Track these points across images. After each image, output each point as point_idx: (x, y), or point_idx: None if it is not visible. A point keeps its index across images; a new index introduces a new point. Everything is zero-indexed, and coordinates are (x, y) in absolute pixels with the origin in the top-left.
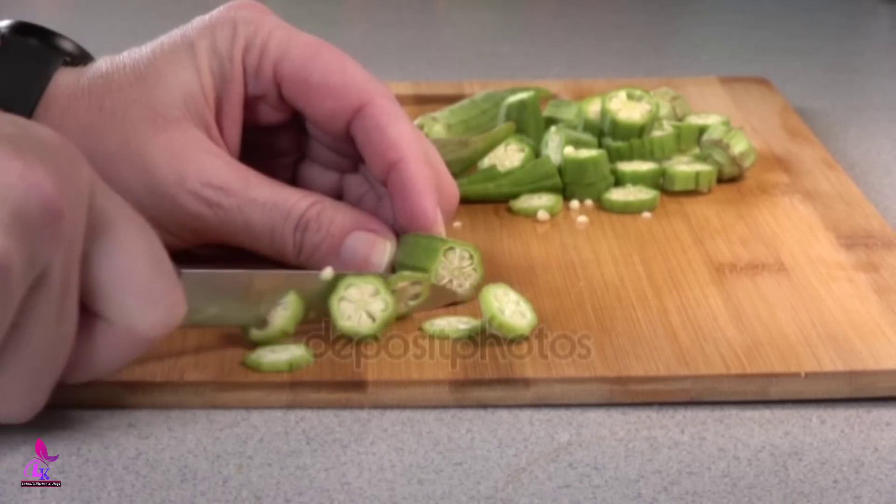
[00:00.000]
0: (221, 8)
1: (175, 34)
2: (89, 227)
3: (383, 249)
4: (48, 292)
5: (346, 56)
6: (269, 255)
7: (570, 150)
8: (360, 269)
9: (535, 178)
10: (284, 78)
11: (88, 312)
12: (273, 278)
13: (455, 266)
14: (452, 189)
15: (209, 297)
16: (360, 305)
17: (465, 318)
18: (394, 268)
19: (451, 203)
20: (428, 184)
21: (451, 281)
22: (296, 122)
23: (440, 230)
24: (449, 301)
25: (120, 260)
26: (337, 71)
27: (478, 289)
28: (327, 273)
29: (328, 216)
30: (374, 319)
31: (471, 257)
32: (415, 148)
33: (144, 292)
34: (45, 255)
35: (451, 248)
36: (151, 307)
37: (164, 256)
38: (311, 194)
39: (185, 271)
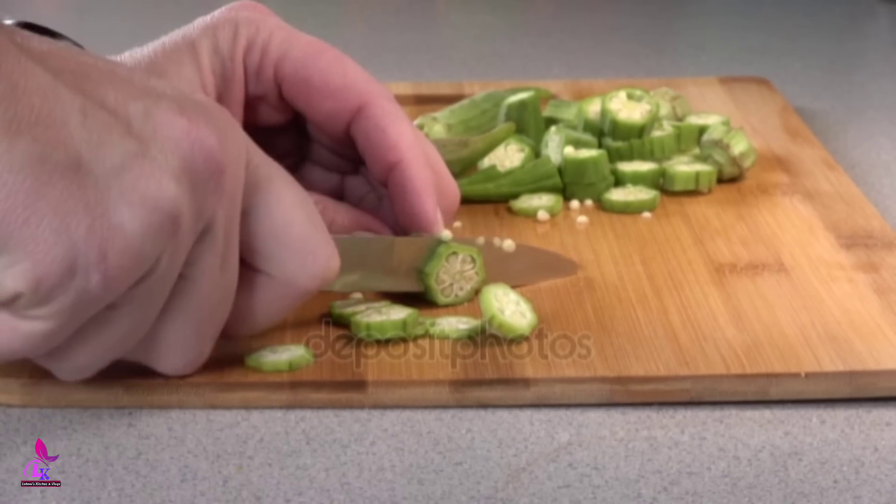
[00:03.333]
0: (223, 8)
1: (177, 34)
2: (248, 185)
3: None
4: (212, 244)
5: (346, 57)
6: None
7: (570, 150)
8: None
9: (535, 178)
10: (285, 78)
11: (249, 268)
12: (412, 244)
13: (457, 269)
14: (453, 189)
15: (354, 264)
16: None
17: (465, 318)
18: None
19: (452, 203)
20: (428, 185)
21: (451, 285)
22: (296, 124)
23: (440, 230)
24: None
25: (278, 215)
26: (337, 72)
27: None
28: (446, 234)
29: (329, 216)
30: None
31: (473, 261)
32: (415, 149)
33: (302, 246)
34: (210, 207)
35: (453, 253)
36: (310, 260)
37: (317, 214)
38: (312, 194)
39: (335, 236)
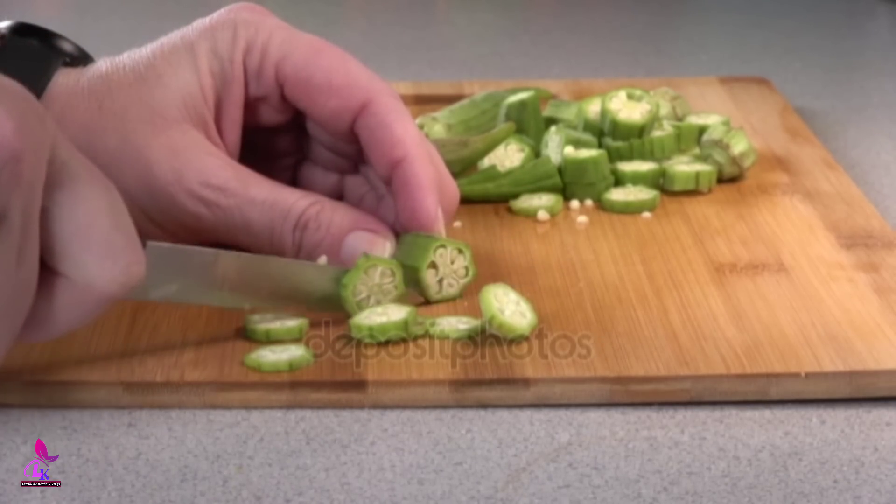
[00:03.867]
0: (221, 10)
1: (175, 36)
2: (50, 180)
3: (382, 249)
4: (7, 236)
5: (348, 55)
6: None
7: (570, 150)
8: None
9: (535, 178)
10: (287, 78)
11: (48, 270)
12: (238, 259)
13: (446, 264)
14: (453, 189)
15: (173, 273)
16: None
17: (465, 318)
18: None
19: (452, 203)
20: (431, 182)
21: (441, 280)
22: (296, 124)
23: (440, 229)
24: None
25: (80, 215)
26: (340, 70)
27: (470, 287)
28: (322, 260)
29: (327, 216)
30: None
31: (462, 255)
32: (419, 146)
33: (103, 248)
34: (3, 197)
35: (441, 246)
36: (110, 263)
37: (125, 216)
38: (310, 194)
39: (151, 243)
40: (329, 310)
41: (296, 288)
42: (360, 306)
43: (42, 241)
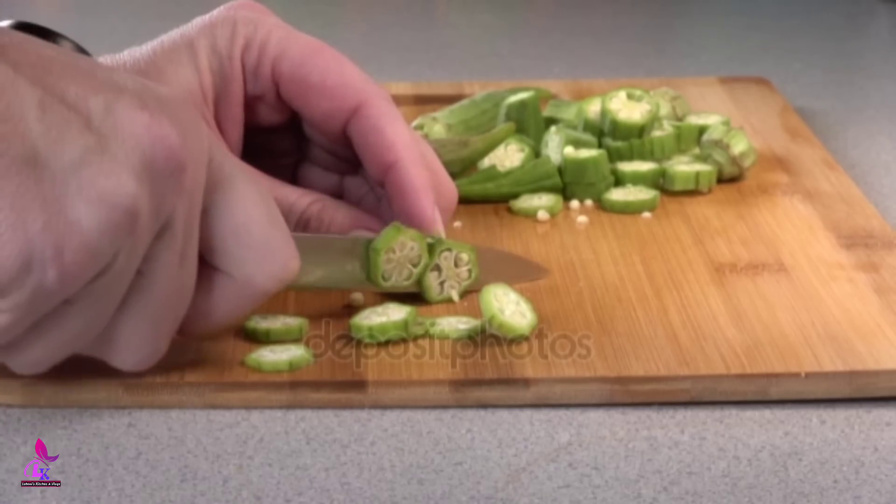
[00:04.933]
0: (221, 8)
1: (175, 34)
2: (209, 183)
3: None
4: (171, 241)
5: (343, 57)
6: None
7: (570, 150)
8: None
9: (535, 178)
10: (283, 76)
11: (208, 267)
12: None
13: (450, 266)
14: (451, 189)
15: (317, 260)
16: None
17: (465, 318)
18: None
19: (450, 203)
20: (425, 184)
21: (443, 282)
22: (295, 124)
23: (439, 230)
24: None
25: (238, 214)
26: (335, 71)
27: (473, 289)
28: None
29: (328, 214)
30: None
31: (466, 257)
32: (411, 149)
33: (262, 246)
34: (170, 205)
35: (447, 250)
36: (268, 260)
37: (278, 214)
38: (311, 192)
39: (296, 235)
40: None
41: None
42: (385, 278)
43: (202, 240)
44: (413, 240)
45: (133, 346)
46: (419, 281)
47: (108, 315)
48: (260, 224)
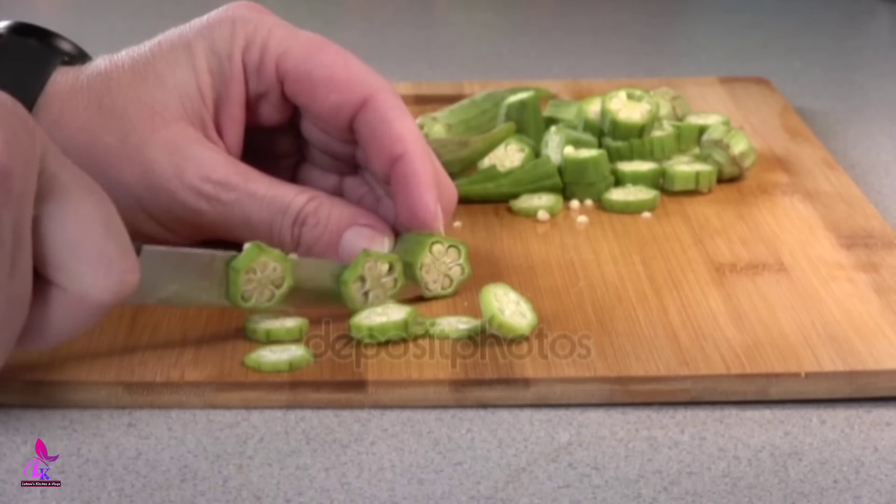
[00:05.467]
0: (219, 8)
1: (173, 35)
2: (41, 192)
3: (381, 244)
4: None
5: (348, 52)
6: None
7: (570, 150)
8: None
9: (535, 178)
10: (288, 73)
11: (42, 280)
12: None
13: (441, 261)
14: (451, 189)
15: (171, 275)
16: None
17: (465, 318)
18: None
19: (450, 202)
20: (431, 178)
21: (434, 280)
22: (294, 125)
23: (440, 225)
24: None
25: (71, 225)
26: (341, 65)
27: (470, 287)
28: (293, 257)
29: (326, 211)
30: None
31: (458, 252)
32: (419, 142)
33: (96, 258)
34: None
35: (436, 242)
36: (103, 273)
37: (118, 225)
38: (309, 190)
39: (147, 247)
40: (328, 304)
41: (296, 285)
42: (360, 302)
43: (35, 252)
44: (276, 260)
45: None
46: (412, 277)
47: None
48: (94, 236)
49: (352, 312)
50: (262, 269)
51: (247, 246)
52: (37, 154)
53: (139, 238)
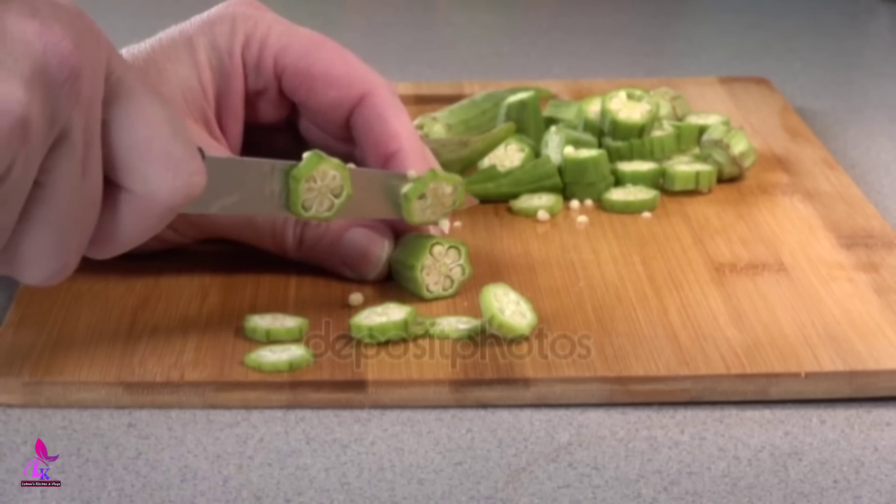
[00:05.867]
0: (219, 5)
1: (174, 31)
2: (108, 95)
3: (381, 244)
4: (70, 150)
5: (346, 49)
6: (269, 250)
7: (570, 150)
8: (358, 263)
9: (535, 178)
10: (286, 69)
11: (112, 184)
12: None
13: (442, 262)
14: None
15: (232, 183)
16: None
17: (465, 318)
18: (390, 266)
19: None
20: None
21: (435, 281)
22: (292, 123)
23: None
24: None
25: (139, 128)
26: (339, 61)
27: (470, 287)
28: (412, 174)
29: None
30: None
31: (458, 253)
32: (414, 140)
33: (164, 160)
34: (65, 113)
35: (437, 244)
36: (171, 174)
37: (183, 128)
38: None
39: (209, 155)
40: (382, 216)
41: (353, 195)
42: (418, 216)
43: (104, 155)
44: (335, 169)
45: (40, 261)
46: (412, 279)
47: (8, 228)
48: (162, 138)
49: (408, 223)
50: (321, 178)
51: (306, 154)
52: (103, 58)
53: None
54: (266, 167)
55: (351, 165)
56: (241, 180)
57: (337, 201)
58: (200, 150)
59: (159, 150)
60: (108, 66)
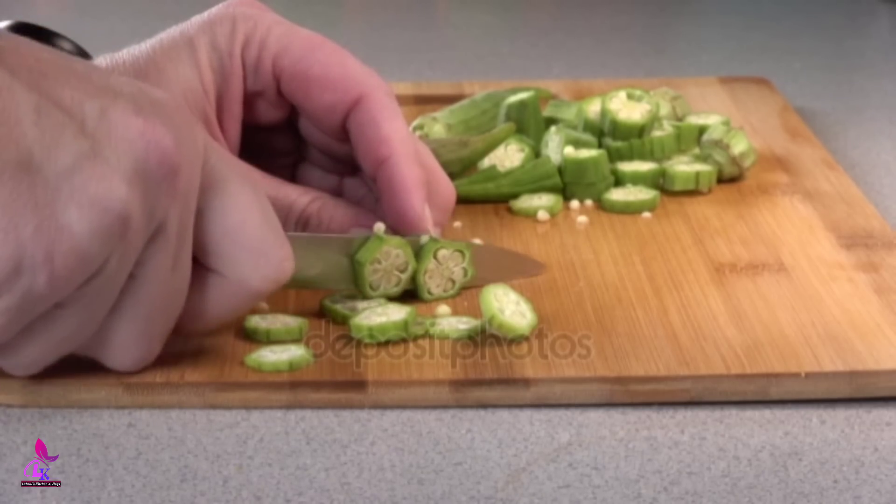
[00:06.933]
0: (220, 5)
1: (174, 31)
2: (204, 185)
3: None
4: (164, 245)
5: (345, 51)
6: None
7: (570, 150)
8: None
9: (535, 178)
10: (284, 71)
11: (202, 267)
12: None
13: (445, 265)
14: (448, 189)
15: (313, 259)
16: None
17: (465, 318)
18: None
19: (448, 203)
20: (416, 181)
21: (437, 284)
22: (292, 123)
23: (429, 227)
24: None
25: (233, 216)
26: (337, 64)
27: (472, 286)
28: (424, 238)
29: (328, 212)
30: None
31: (462, 256)
32: (406, 146)
33: (256, 247)
34: (163, 208)
35: (441, 248)
36: (263, 261)
37: (272, 214)
38: (311, 190)
39: (290, 234)
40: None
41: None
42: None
43: (196, 241)
44: (397, 247)
45: (127, 348)
46: (414, 281)
47: (99, 318)
48: (254, 225)
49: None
50: (385, 259)
51: (369, 237)
52: (201, 150)
53: None
54: (343, 242)
55: (427, 232)
56: (321, 256)
57: (403, 276)
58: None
59: (251, 237)
60: (205, 157)
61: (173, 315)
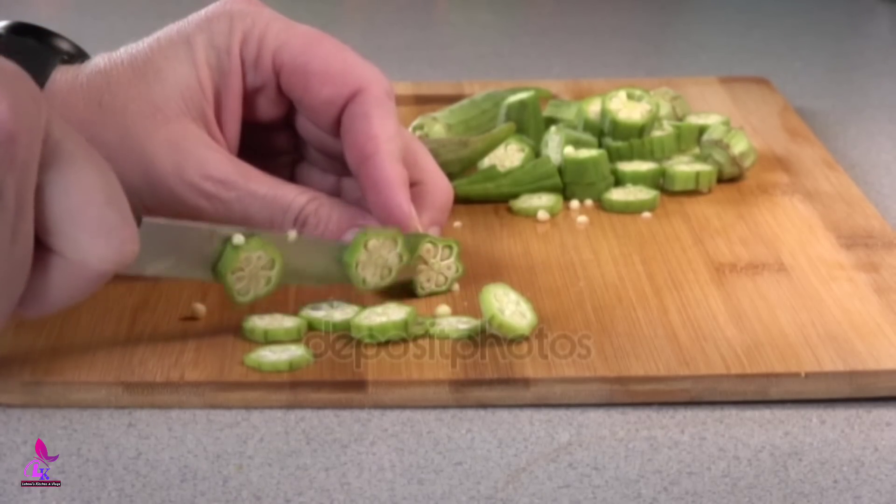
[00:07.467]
0: (217, 3)
1: (171, 30)
2: (44, 159)
3: None
4: (2, 214)
5: (345, 46)
6: None
7: (570, 150)
8: None
9: (535, 178)
10: (284, 66)
11: (43, 247)
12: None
13: (434, 260)
14: (445, 188)
15: (169, 248)
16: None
17: (465, 318)
18: None
19: (445, 202)
20: (398, 179)
21: (428, 279)
22: (291, 123)
23: (416, 225)
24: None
25: (73, 193)
26: (337, 58)
27: (470, 287)
28: (292, 235)
29: (326, 211)
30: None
31: (450, 251)
32: (391, 144)
33: (96, 226)
34: None
35: (430, 243)
36: (103, 241)
37: (119, 195)
38: (309, 190)
39: (146, 219)
40: (331, 282)
41: (296, 265)
42: (366, 282)
43: (36, 218)
44: (257, 250)
45: None
46: (396, 273)
47: None
48: (96, 205)
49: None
50: (247, 265)
51: (227, 248)
52: (42, 121)
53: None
54: (205, 233)
55: (292, 233)
56: (179, 245)
57: (272, 273)
58: (137, 216)
59: (92, 216)
60: (47, 130)
61: (15, 291)
